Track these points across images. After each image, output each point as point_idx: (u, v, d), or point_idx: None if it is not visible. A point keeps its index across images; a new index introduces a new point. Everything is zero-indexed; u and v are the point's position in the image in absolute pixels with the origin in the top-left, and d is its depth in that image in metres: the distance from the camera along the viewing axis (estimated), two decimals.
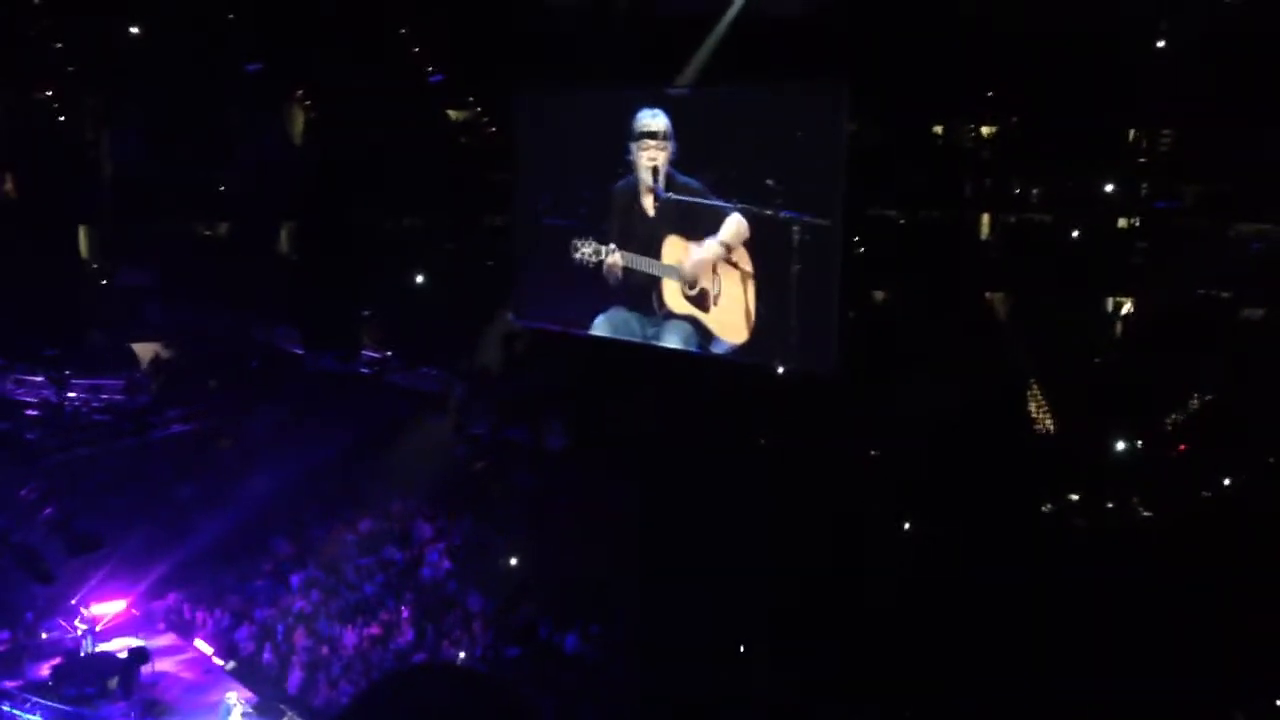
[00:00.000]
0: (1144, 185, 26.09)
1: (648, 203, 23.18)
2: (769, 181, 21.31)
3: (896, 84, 23.41)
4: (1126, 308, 26.34)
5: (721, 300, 22.52)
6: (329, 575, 23.90)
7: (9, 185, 30.92)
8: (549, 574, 23.35)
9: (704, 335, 22.99)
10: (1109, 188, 26.32)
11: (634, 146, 23.10)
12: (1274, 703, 18.01)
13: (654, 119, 22.89)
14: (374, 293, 31.21)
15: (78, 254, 31.37)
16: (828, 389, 22.62)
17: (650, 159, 22.88)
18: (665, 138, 22.75)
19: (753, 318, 22.14)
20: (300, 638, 21.86)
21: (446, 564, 24.46)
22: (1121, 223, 26.67)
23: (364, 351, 30.39)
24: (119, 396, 26.68)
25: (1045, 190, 27.10)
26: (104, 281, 30.94)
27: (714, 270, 22.56)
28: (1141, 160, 26.19)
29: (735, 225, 22.02)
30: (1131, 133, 26.19)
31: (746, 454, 23.82)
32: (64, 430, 24.61)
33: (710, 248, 22.39)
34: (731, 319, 22.54)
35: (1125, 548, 20.92)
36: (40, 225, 29.19)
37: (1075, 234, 26.39)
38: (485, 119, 33.07)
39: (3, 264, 26.84)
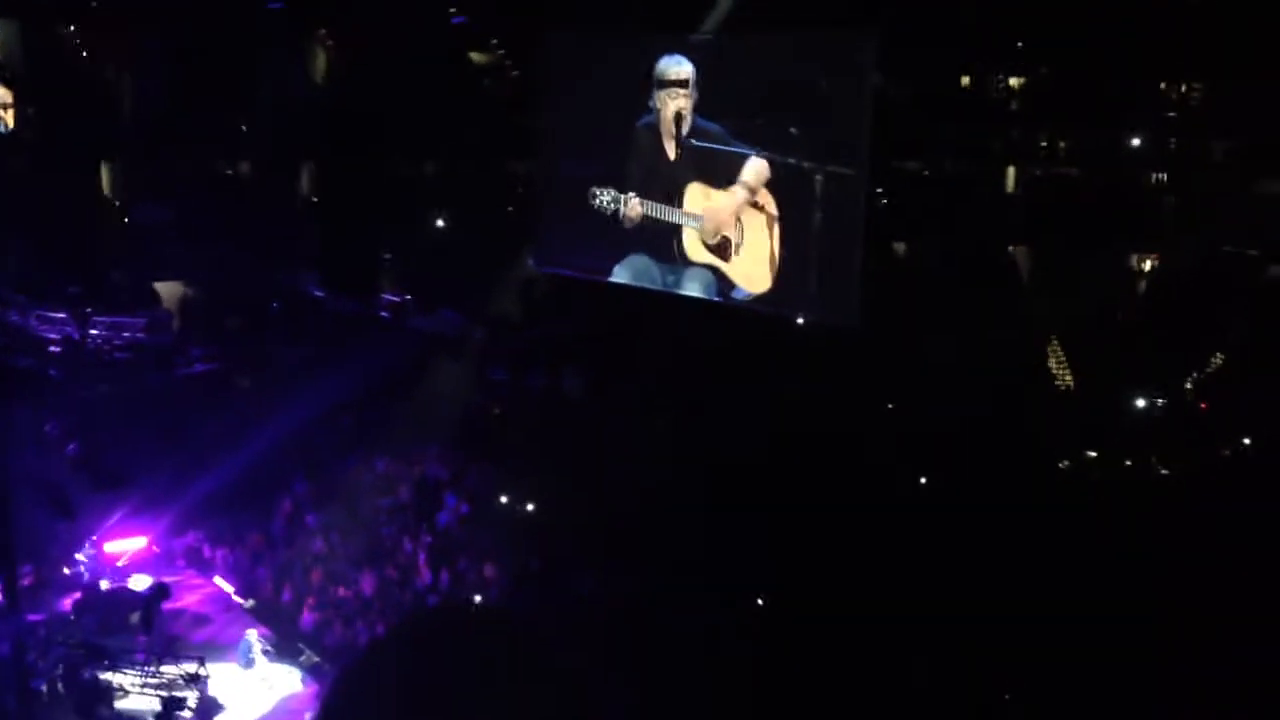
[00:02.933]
0: (1172, 140, 25.73)
1: (670, 148, 22.98)
2: (792, 130, 21.09)
3: (924, 34, 23.06)
4: (1151, 263, 26.11)
5: (744, 250, 22.37)
6: (346, 517, 24.12)
7: (31, 123, 30.89)
8: (565, 520, 23.50)
9: (725, 284, 22.86)
10: (1137, 141, 25.98)
11: (658, 94, 22.85)
12: None
13: (678, 66, 22.62)
14: (394, 236, 31.19)
15: (99, 192, 31.40)
16: (847, 340, 22.56)
17: (674, 107, 22.65)
18: (689, 85, 22.49)
19: (777, 263, 22.00)
20: (317, 578, 22.12)
21: (464, 508, 24.64)
22: (1149, 177, 26.37)
23: (384, 294, 30.44)
24: (141, 335, 26.80)
25: (1073, 143, 26.78)
26: (125, 220, 30.99)
27: (737, 218, 22.41)
28: (1171, 114, 25.82)
29: (756, 167, 21.84)
30: (1161, 85, 25.79)
31: (764, 404, 23.82)
32: (86, 367, 24.77)
33: (734, 193, 22.21)
34: (753, 268, 22.41)
35: (1142, 505, 20.90)
36: (62, 162, 29.21)
37: (1102, 188, 26.09)
38: (508, 62, 32.81)
39: (25, 201, 26.91)
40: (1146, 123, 25.71)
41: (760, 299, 22.57)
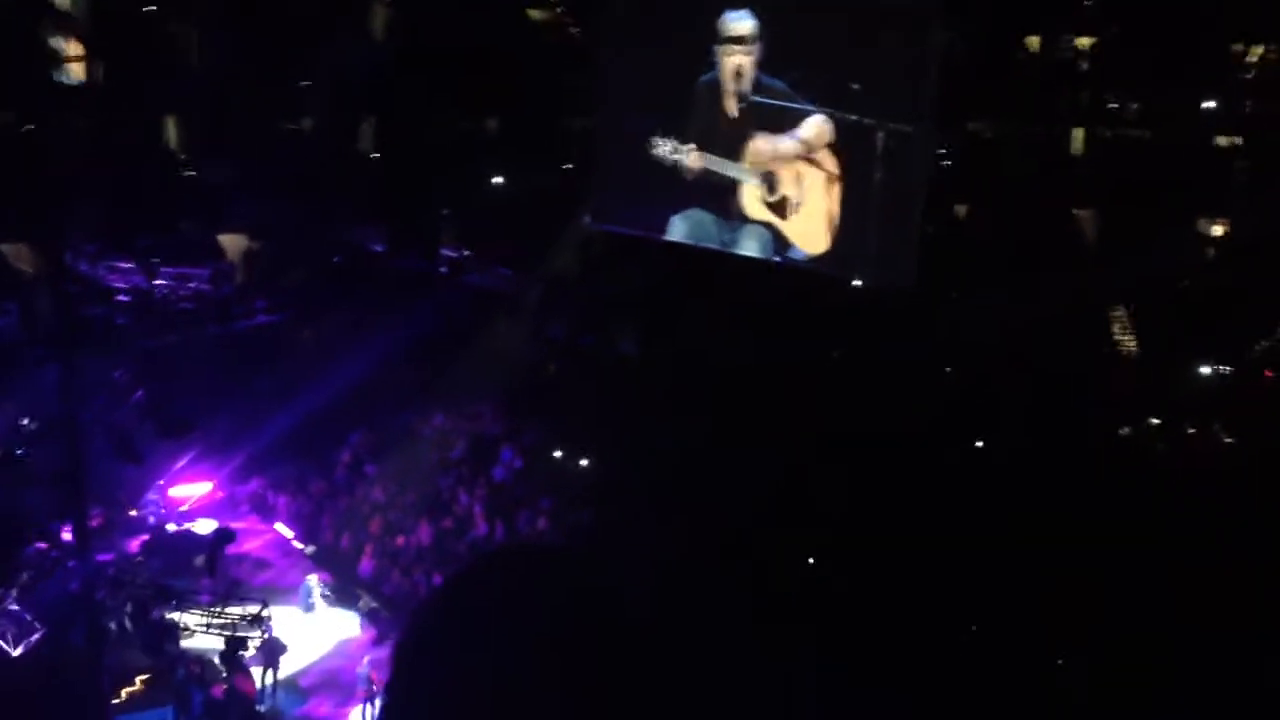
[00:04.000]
0: (1247, 102, 25.12)
1: (731, 105, 22.86)
2: (856, 86, 20.90)
3: None
4: (1221, 229, 25.57)
5: (802, 209, 22.24)
6: (404, 468, 24.44)
7: (98, 76, 31.30)
8: (619, 475, 23.63)
9: (781, 243, 22.77)
10: (1209, 104, 25.41)
11: (719, 50, 22.71)
12: None
13: (741, 22, 22.43)
14: (454, 192, 31.32)
15: (166, 146, 31.81)
16: (905, 302, 22.40)
17: (736, 63, 22.49)
18: (752, 41, 22.32)
19: (835, 223, 21.86)
20: (376, 527, 22.48)
21: (518, 463, 24.87)
22: (1221, 141, 25.77)
23: (442, 250, 30.62)
24: (205, 286, 27.25)
25: (1143, 105, 26.22)
26: (191, 174, 31.39)
27: (796, 177, 22.26)
28: (1245, 76, 25.18)
29: (816, 125, 21.69)
30: (1236, 46, 25.15)
31: (819, 364, 23.74)
32: (153, 317, 25.22)
33: (795, 151, 22.05)
34: (811, 227, 22.29)
35: (1205, 474, 20.63)
36: (130, 116, 29.62)
37: (1172, 152, 25.55)
38: (568, 19, 32.69)
39: (95, 153, 27.34)
40: (1219, 85, 25.11)
41: (817, 259, 22.46)
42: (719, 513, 21.30)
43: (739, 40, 22.42)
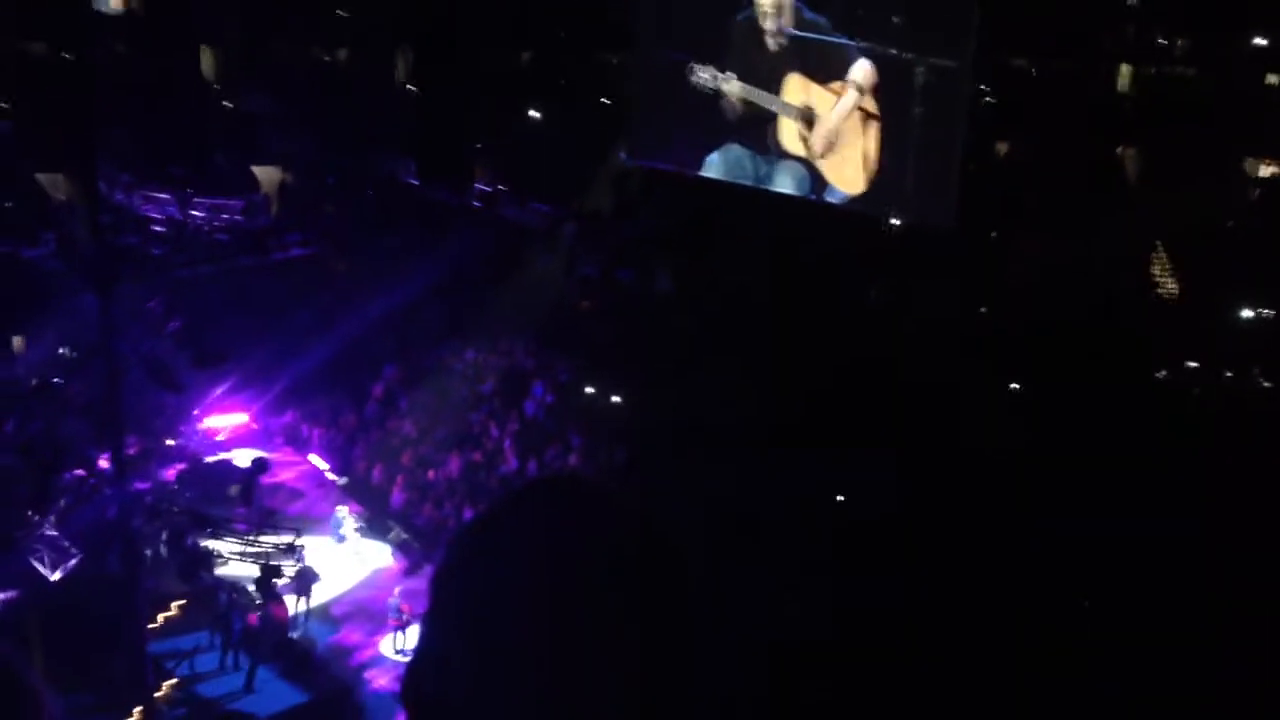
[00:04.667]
0: None
1: (770, 40, 22.48)
2: (895, 19, 20.49)
3: None
4: (1269, 171, 24.96)
5: (840, 148, 21.93)
6: (436, 402, 24.58)
7: (137, 5, 31.25)
8: (650, 414, 23.65)
9: (818, 182, 22.49)
10: (1261, 41, 24.70)
11: None
12: None
13: None
14: (488, 126, 31.13)
15: (201, 76, 31.78)
16: (944, 242, 22.11)
17: (767, 4, 22.15)
18: None
19: (872, 165, 21.55)
20: (407, 459, 22.66)
21: (549, 399, 24.93)
22: (1271, 79, 25.07)
23: (476, 184, 30.50)
24: (239, 218, 27.33)
25: (1191, 42, 25.54)
26: (227, 104, 31.37)
27: (835, 115, 21.94)
28: None
29: (865, 74, 21.27)
30: None
31: (856, 304, 23.56)
32: (188, 247, 25.35)
33: (836, 90, 21.67)
34: (849, 168, 21.98)
35: (1242, 418, 20.38)
36: (165, 45, 29.59)
37: (1220, 90, 24.91)
38: None
39: (130, 83, 27.37)
40: (1272, 21, 24.37)
41: (855, 200, 22.18)
42: (751, 451, 21.29)
43: None
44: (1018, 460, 19.33)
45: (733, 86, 22.79)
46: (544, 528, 1.63)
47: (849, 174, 22.04)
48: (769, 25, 22.15)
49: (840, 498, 21.15)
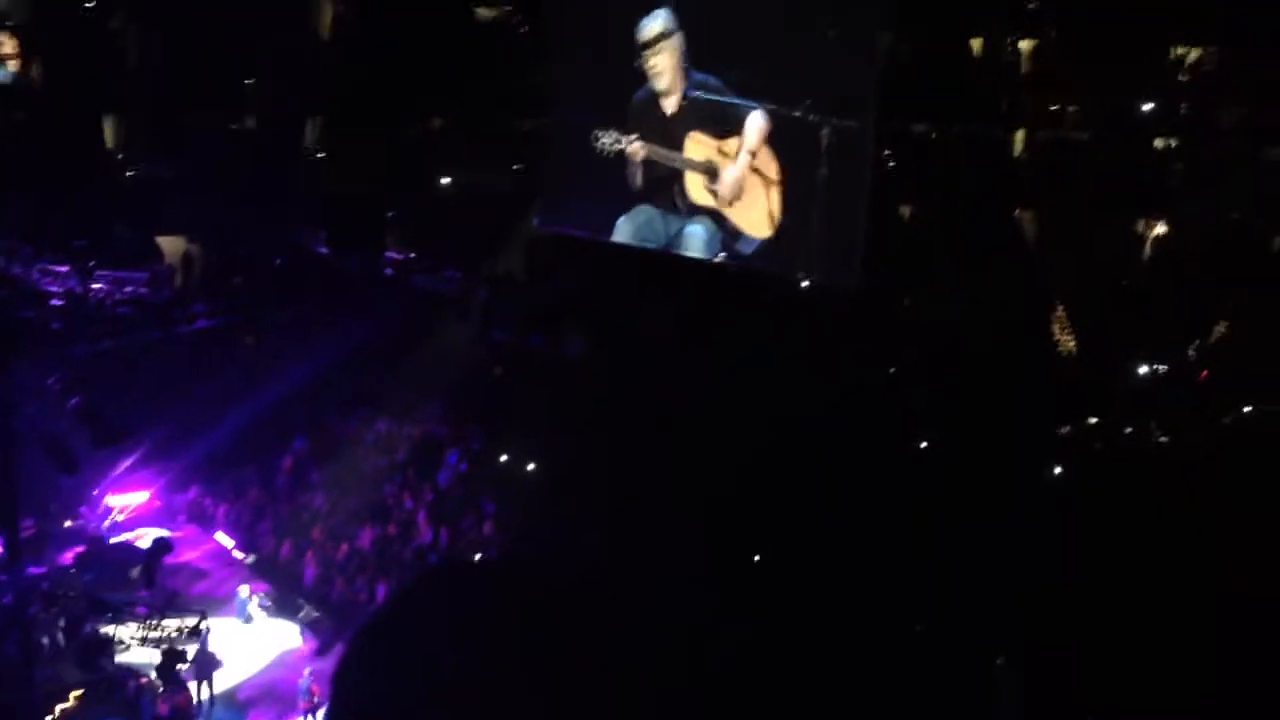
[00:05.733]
0: (1183, 105, 25.47)
1: (667, 105, 23.10)
2: (798, 81, 21.04)
3: None
4: (1158, 230, 25.89)
5: (745, 197, 22.48)
6: (348, 474, 24.22)
7: (36, 74, 30.75)
8: (565, 479, 23.54)
9: (729, 232, 22.98)
10: (1147, 106, 25.72)
11: (643, 55, 23.06)
12: None
13: (651, 24, 22.86)
14: (399, 194, 31.07)
15: (104, 145, 31.31)
16: (849, 302, 22.48)
17: (659, 64, 22.85)
18: (665, 37, 22.63)
19: (776, 219, 22.09)
20: (318, 534, 22.25)
21: (463, 467, 24.72)
22: (1158, 143, 26.10)
23: (387, 252, 30.37)
24: (143, 290, 26.83)
25: (1082, 108, 26.52)
26: (130, 174, 30.92)
27: (736, 168, 22.52)
28: (1181, 79, 25.53)
29: (758, 126, 21.89)
30: (1172, 50, 25.49)
31: (764, 365, 23.78)
32: (89, 321, 24.80)
33: (743, 162, 22.24)
34: (756, 213, 22.52)
35: (1141, 472, 20.88)
36: (67, 115, 29.12)
37: (1110, 153, 25.85)
38: (517, 18, 32.51)
39: (31, 153, 26.85)
40: (1156, 88, 25.43)
41: (762, 251, 22.56)
42: (666, 514, 21.28)
43: (653, 42, 22.77)
44: (924, 515, 19.55)
45: (635, 147, 23.32)
46: (433, 622, 1.66)
47: (756, 218, 22.58)
48: (662, 88, 22.84)
49: (756, 557, 21.20)
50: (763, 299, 23.79)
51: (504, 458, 24.91)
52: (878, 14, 21.15)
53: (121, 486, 22.20)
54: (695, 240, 23.44)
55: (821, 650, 17.87)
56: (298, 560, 21.73)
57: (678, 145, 23.19)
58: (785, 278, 23.31)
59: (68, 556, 20.71)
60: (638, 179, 23.73)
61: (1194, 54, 25.24)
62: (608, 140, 23.60)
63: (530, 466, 24.47)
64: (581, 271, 26.74)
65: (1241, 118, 24.62)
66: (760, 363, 24.03)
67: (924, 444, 23.53)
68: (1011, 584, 18.13)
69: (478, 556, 21.96)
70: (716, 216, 23.06)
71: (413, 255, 30.10)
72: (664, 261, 24.16)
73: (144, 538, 21.20)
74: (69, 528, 21.59)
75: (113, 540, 21.28)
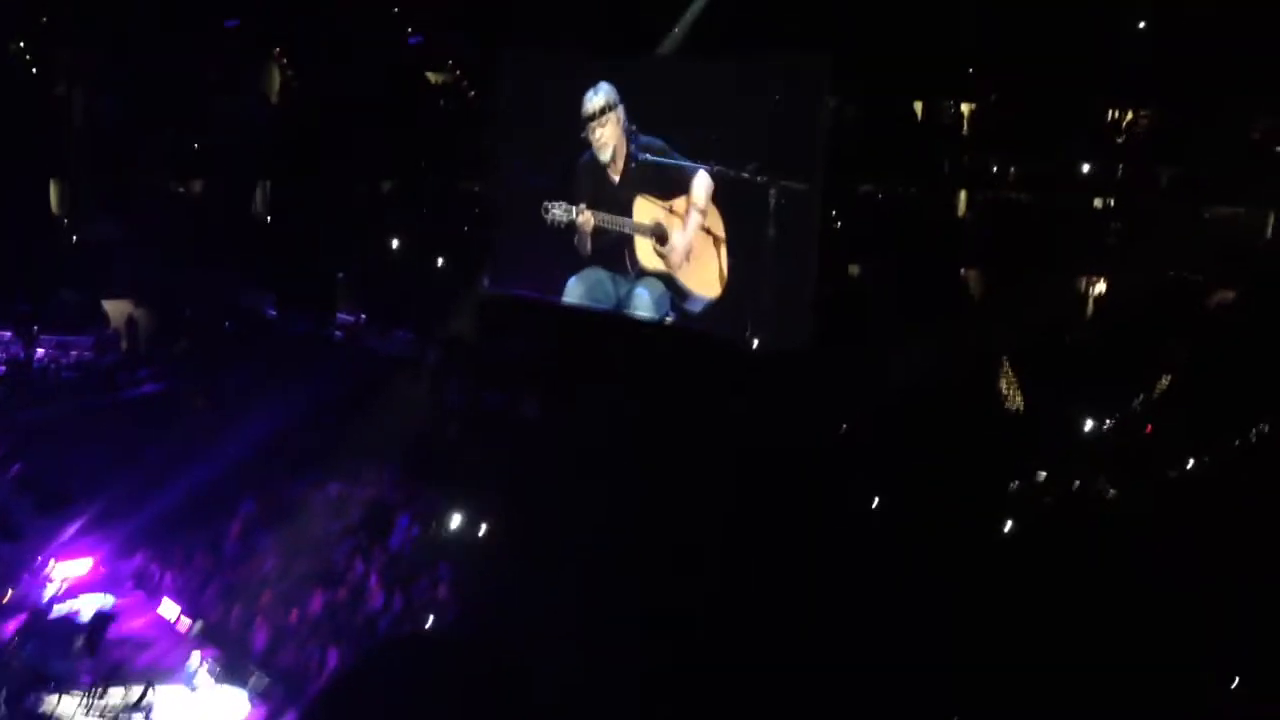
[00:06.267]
0: (1119, 166, 26.23)
1: (613, 172, 23.46)
2: (744, 145, 21.45)
3: (878, 59, 23.44)
4: (1099, 287, 26.50)
5: (694, 256, 22.75)
6: (297, 538, 23.84)
7: None
8: (519, 543, 23.36)
9: (678, 292, 23.25)
10: (1085, 168, 26.44)
11: (588, 127, 23.52)
12: (1234, 682, 18.23)
13: (594, 98, 23.46)
14: (349, 256, 31.04)
15: (48, 209, 31.04)
16: (800, 361, 22.69)
17: (603, 136, 23.32)
18: (608, 109, 23.10)
19: (725, 278, 22.41)
20: (267, 599, 21.82)
21: (416, 530, 24.43)
22: (1097, 203, 26.81)
23: (338, 315, 30.25)
24: (88, 354, 26.48)
25: (1022, 169, 27.22)
26: (75, 237, 30.65)
27: (685, 230, 22.82)
28: (1119, 140, 26.32)
29: (705, 185, 22.29)
30: (1108, 113, 26.31)
31: (717, 424, 23.87)
32: (32, 387, 24.41)
33: (692, 222, 22.58)
34: (706, 273, 22.80)
35: (1091, 526, 21.12)
36: (10, 178, 28.85)
37: (1050, 213, 26.51)
38: (465, 83, 32.84)
39: None
40: (1094, 149, 26.18)
41: (711, 311, 22.81)
42: (623, 576, 21.16)
43: (597, 115, 23.23)
44: (876, 574, 19.61)
45: (586, 218, 23.71)
46: (386, 694, 1.67)
47: (706, 278, 22.88)
48: (606, 159, 23.27)
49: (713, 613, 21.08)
50: (714, 358, 23.95)
51: (456, 520, 24.67)
52: (822, 78, 21.61)
53: (65, 554, 21.70)
54: (644, 301, 23.70)
55: (770, 707, 17.79)
56: (247, 626, 21.28)
57: (626, 209, 23.53)
58: (735, 338, 23.53)
59: (8, 627, 20.17)
60: (587, 246, 24.02)
61: (1129, 116, 26.05)
62: (558, 212, 23.97)
63: (483, 529, 24.26)
64: (533, 333, 26.78)
65: (1176, 177, 25.40)
66: (712, 422, 24.12)
67: (875, 501, 23.67)
68: (965, 639, 18.19)
69: (430, 621, 21.66)
70: (665, 278, 23.36)
71: (363, 317, 29.99)
72: (615, 322, 24.32)
73: (87, 607, 20.71)
74: (9, 598, 21.06)
75: (55, 609, 20.74)
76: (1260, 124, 24.04)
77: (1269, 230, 24.62)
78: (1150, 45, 23.26)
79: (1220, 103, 22.22)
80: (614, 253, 23.88)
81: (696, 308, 23.06)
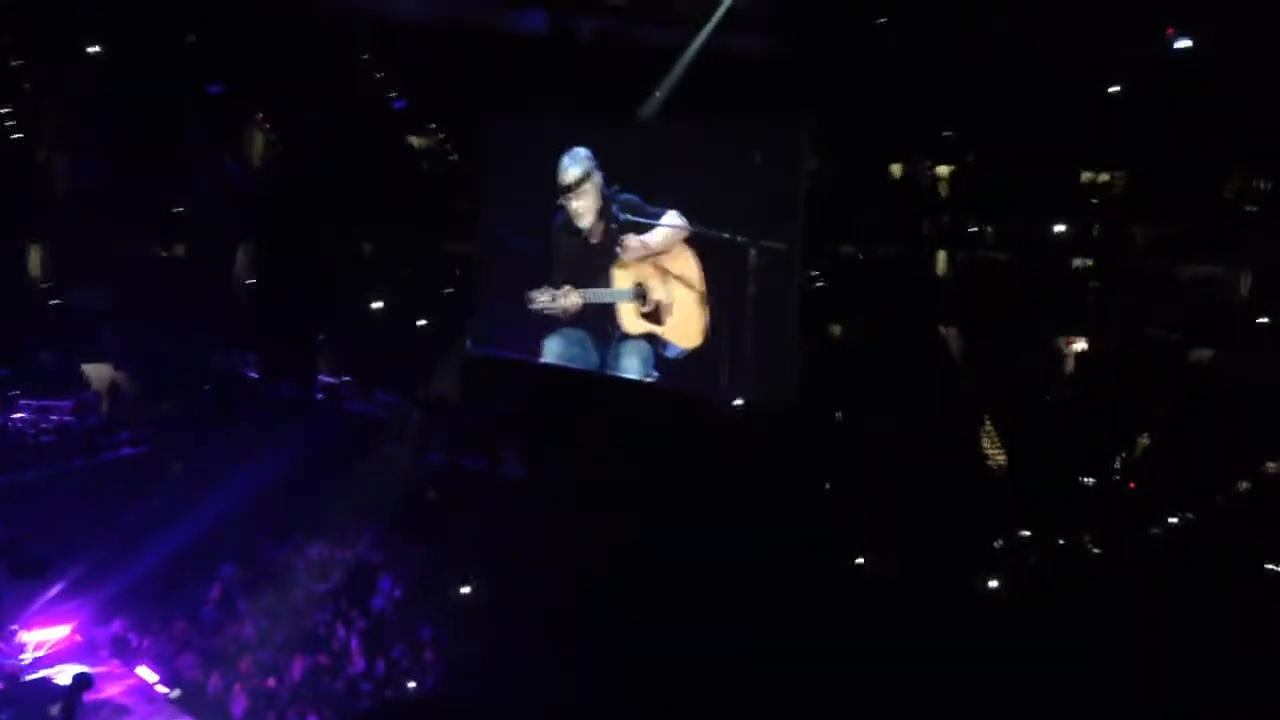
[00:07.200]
0: (1096, 226, 26.59)
1: (592, 236, 23.76)
2: (723, 205, 21.66)
3: (855, 121, 23.79)
4: (1079, 346, 26.72)
5: (675, 309, 22.92)
6: (278, 603, 23.58)
7: None
8: (503, 604, 23.18)
9: (659, 346, 23.36)
10: (1061, 228, 26.78)
11: (565, 198, 23.80)
12: None
13: (570, 170, 23.65)
14: (331, 318, 31.02)
15: (27, 273, 30.92)
16: (785, 420, 22.74)
17: (577, 206, 23.59)
18: (585, 179, 23.40)
19: (706, 329, 22.59)
20: (247, 665, 21.53)
21: (398, 593, 24.22)
22: (1075, 262, 27.12)
23: (319, 377, 30.15)
24: (68, 418, 26.26)
25: (1000, 229, 27.56)
26: (55, 301, 30.51)
27: (664, 282, 22.96)
28: (1095, 201, 26.70)
29: (681, 224, 22.50)
30: (1084, 174, 26.71)
31: (700, 483, 23.86)
32: (9, 452, 24.16)
33: (652, 241, 22.86)
34: (688, 329, 22.94)
35: (1076, 584, 21.12)
36: None
37: (1028, 272, 26.80)
38: (447, 146, 33.08)
39: None
40: (1070, 210, 26.55)
41: (692, 361, 22.90)
42: (606, 635, 20.99)
43: (573, 186, 23.52)
44: (863, 637, 19.52)
45: (571, 299, 23.94)
46: None
47: (688, 332, 23.00)
48: (584, 226, 23.51)
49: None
50: (698, 417, 24.00)
51: (440, 583, 24.49)
52: (802, 140, 21.88)
53: (41, 620, 21.37)
54: (628, 362, 23.74)
55: None
56: (226, 693, 20.96)
57: (606, 273, 23.69)
58: (717, 393, 23.59)
59: None
60: (570, 314, 24.24)
61: (1104, 177, 26.46)
62: (545, 299, 24.26)
63: (466, 590, 24.07)
64: (516, 393, 26.79)
65: (1152, 237, 25.74)
66: (698, 481, 24.10)
67: (859, 560, 23.63)
68: (949, 698, 18.08)
69: (411, 685, 21.39)
70: (649, 337, 23.46)
71: (345, 379, 29.92)
72: (599, 381, 24.37)
73: (63, 674, 20.35)
74: None
75: (30, 677, 20.39)
76: (1232, 183, 24.46)
77: (1244, 288, 24.94)
78: (1123, 106, 23.70)
79: (1193, 163, 22.63)
80: (598, 319, 24.05)
81: (674, 353, 23.22)
